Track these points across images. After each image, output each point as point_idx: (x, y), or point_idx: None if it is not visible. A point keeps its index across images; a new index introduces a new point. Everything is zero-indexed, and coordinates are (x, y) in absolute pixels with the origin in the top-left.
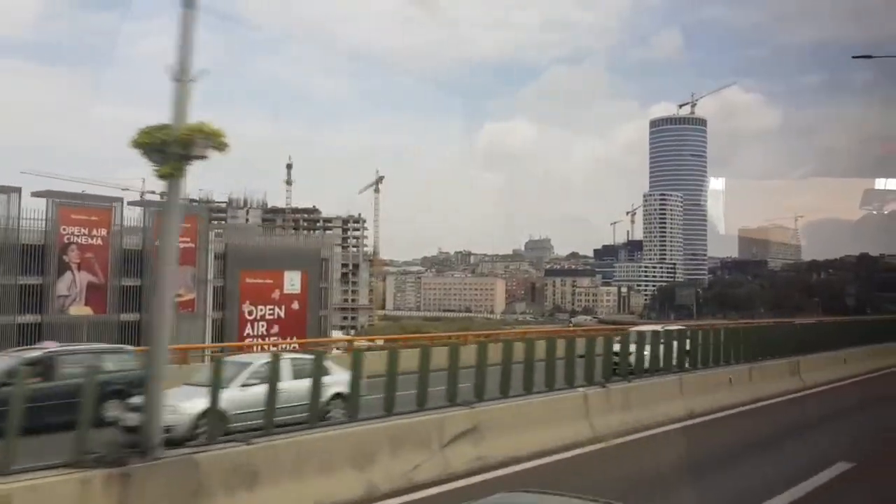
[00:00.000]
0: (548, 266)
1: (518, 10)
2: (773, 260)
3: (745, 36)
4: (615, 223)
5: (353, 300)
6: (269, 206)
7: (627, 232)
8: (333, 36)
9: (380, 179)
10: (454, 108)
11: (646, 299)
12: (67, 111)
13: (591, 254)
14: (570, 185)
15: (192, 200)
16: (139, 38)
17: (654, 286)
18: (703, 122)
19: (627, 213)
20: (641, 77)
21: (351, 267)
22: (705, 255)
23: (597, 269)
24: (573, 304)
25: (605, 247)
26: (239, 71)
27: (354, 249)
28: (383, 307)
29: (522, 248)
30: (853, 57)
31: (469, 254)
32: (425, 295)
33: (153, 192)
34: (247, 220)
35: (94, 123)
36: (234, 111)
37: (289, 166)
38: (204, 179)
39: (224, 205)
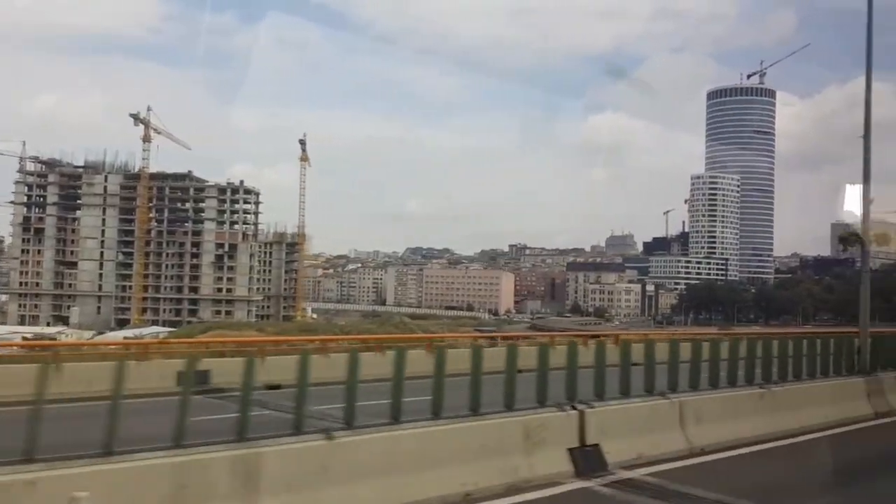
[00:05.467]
0: (628, 260)
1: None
2: (872, 259)
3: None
4: (668, 212)
5: (227, 289)
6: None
7: (683, 222)
8: (444, 32)
9: (303, 143)
10: (546, 103)
11: (677, 299)
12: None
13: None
14: (663, 179)
15: (41, 162)
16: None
17: (693, 284)
18: (771, 93)
19: (685, 200)
20: (753, 67)
21: (227, 248)
22: (771, 249)
23: (627, 265)
24: (592, 303)
25: (655, 239)
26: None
27: (234, 227)
28: (386, 302)
29: (603, 245)
30: None
31: (524, 247)
32: (427, 289)
33: (35, 159)
34: (105, 186)
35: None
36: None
37: (133, 115)
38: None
39: (80, 170)
